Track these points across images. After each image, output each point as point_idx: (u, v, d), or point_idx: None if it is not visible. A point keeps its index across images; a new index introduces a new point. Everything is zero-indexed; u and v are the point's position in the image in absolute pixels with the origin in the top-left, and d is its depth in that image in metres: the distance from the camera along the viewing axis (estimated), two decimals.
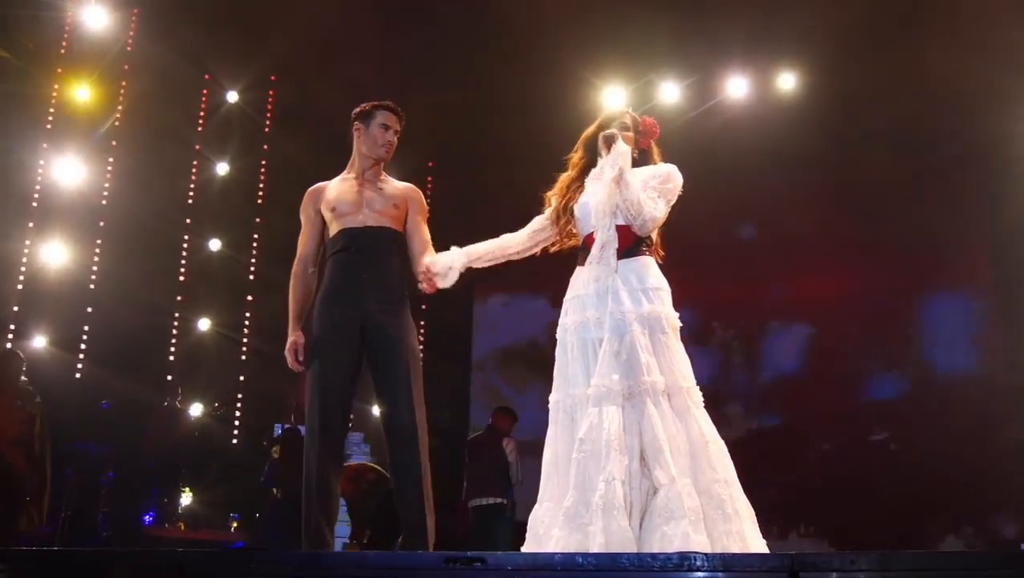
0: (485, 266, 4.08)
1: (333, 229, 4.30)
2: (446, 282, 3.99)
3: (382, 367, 4.11)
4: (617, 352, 3.52)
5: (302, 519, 4.05)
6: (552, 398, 3.70)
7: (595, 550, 3.17)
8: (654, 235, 3.79)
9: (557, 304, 3.84)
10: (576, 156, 4.00)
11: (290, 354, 4.20)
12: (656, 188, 3.71)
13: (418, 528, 3.98)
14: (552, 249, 4.04)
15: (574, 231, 3.90)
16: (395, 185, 4.44)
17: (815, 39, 9.97)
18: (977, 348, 10.63)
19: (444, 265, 3.98)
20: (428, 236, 4.35)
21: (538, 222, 4.04)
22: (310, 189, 4.44)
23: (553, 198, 3.99)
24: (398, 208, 4.33)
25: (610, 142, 3.73)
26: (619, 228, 3.70)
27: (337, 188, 4.36)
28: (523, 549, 3.55)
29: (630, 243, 3.69)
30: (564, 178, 3.98)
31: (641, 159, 3.88)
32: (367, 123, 4.37)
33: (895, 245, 10.94)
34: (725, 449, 3.51)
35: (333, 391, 4.10)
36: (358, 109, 4.42)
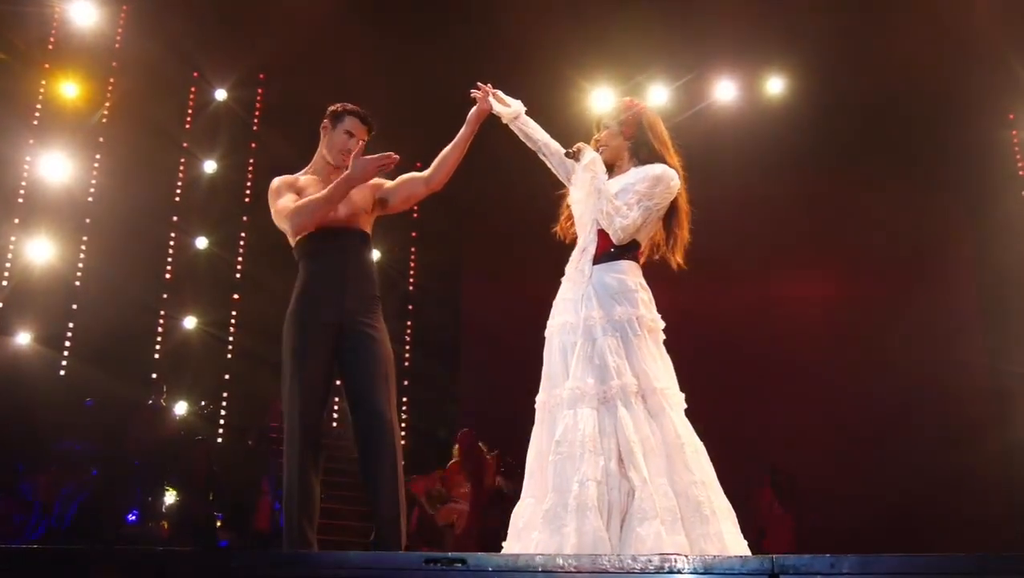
0: (520, 136, 4.18)
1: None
2: (503, 108, 4.16)
3: (359, 365, 4.07)
4: (590, 356, 3.54)
5: (283, 520, 4.05)
6: (538, 398, 3.73)
7: (567, 551, 3.18)
8: (643, 238, 3.79)
9: (546, 305, 3.86)
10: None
11: (367, 162, 4.05)
12: (640, 192, 3.68)
13: (393, 525, 3.95)
14: (561, 236, 4.04)
15: (575, 230, 3.93)
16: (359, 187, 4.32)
17: (803, 43, 10.01)
18: (961, 352, 10.66)
19: (510, 100, 4.18)
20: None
21: (571, 161, 4.02)
22: (284, 178, 4.33)
23: (566, 193, 4.02)
24: (366, 212, 4.30)
25: (576, 156, 3.76)
26: (600, 233, 3.72)
27: (306, 188, 4.28)
28: (504, 544, 3.58)
29: (609, 248, 3.70)
30: None
31: (637, 146, 3.86)
32: (335, 124, 4.32)
33: (880, 248, 10.98)
34: (703, 450, 3.52)
35: (313, 391, 4.06)
36: (332, 108, 4.37)
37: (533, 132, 4.14)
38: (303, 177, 4.35)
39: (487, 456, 7.90)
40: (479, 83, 4.26)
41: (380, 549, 3.92)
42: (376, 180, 4.37)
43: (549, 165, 4.14)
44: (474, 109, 4.25)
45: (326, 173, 4.33)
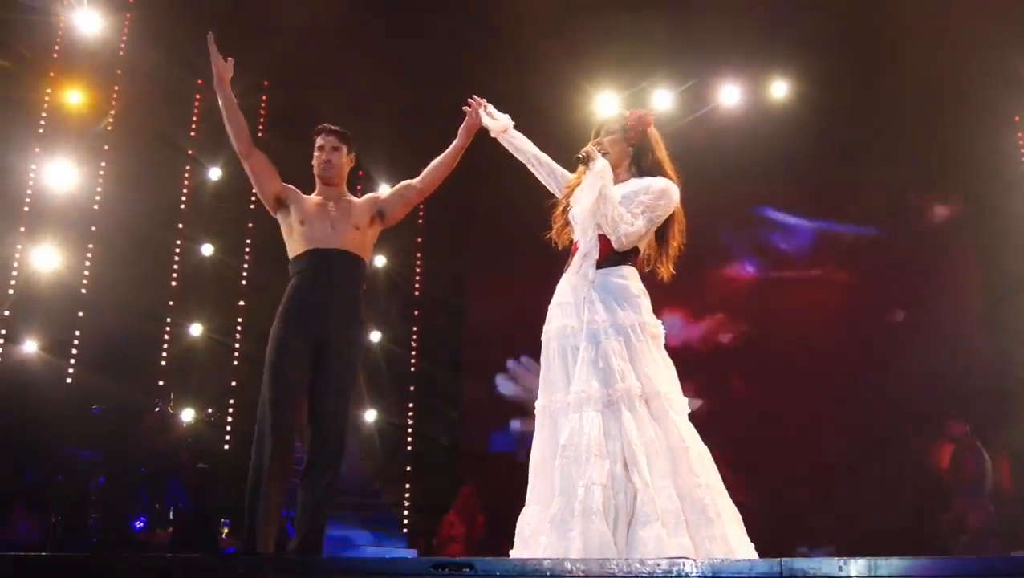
0: (510, 148, 4.29)
1: (299, 246, 4.49)
2: (491, 121, 4.31)
3: (319, 381, 4.30)
4: (594, 360, 3.56)
5: (245, 519, 4.15)
6: (538, 404, 3.74)
7: (574, 555, 3.18)
8: (642, 246, 3.81)
9: (546, 310, 3.87)
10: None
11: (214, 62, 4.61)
12: (644, 203, 3.72)
13: (316, 541, 4.11)
14: (553, 240, 4.07)
15: (571, 236, 3.94)
16: (356, 204, 4.63)
17: (807, 47, 10.01)
18: (966, 353, 10.63)
19: (499, 114, 4.32)
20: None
21: (563, 173, 4.14)
22: (293, 186, 4.67)
23: (562, 199, 4.03)
24: (359, 228, 4.53)
25: (587, 162, 3.77)
26: (601, 238, 3.74)
27: (308, 204, 4.58)
28: (511, 553, 3.57)
29: (611, 253, 3.72)
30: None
31: (639, 154, 3.88)
32: (313, 149, 4.67)
33: (885, 251, 10.96)
34: (707, 454, 3.53)
35: (287, 403, 4.25)
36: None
37: (522, 144, 4.25)
38: (307, 197, 4.65)
39: (478, 509, 9.31)
40: (472, 97, 4.44)
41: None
42: (372, 195, 4.73)
43: (538, 176, 4.22)
44: (465, 122, 4.49)
45: (326, 193, 4.64)
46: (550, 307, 3.82)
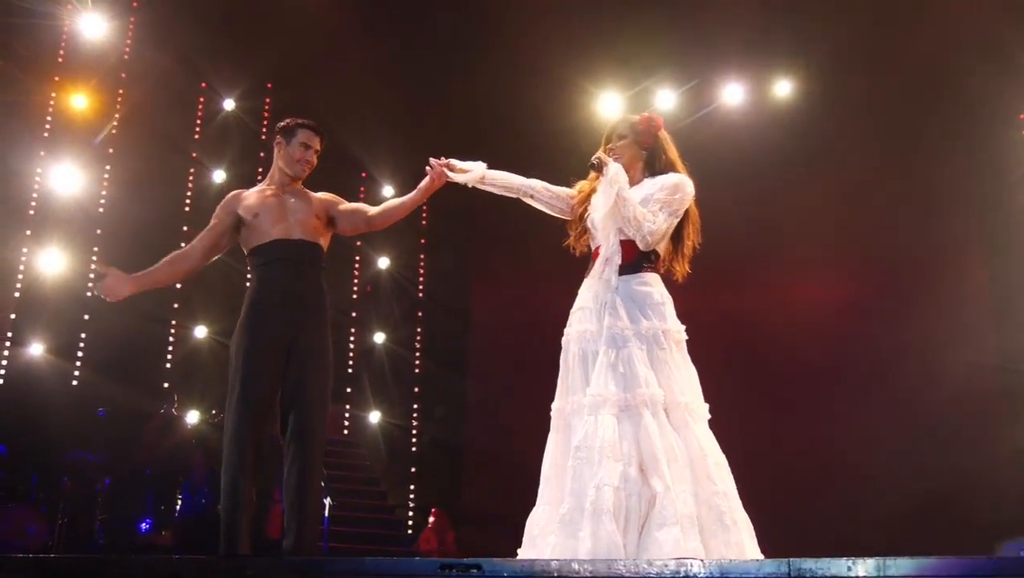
0: (496, 191, 4.08)
1: (258, 238, 4.33)
2: (463, 176, 4.06)
3: (300, 384, 4.19)
4: (614, 364, 3.54)
5: (221, 524, 4.10)
6: (554, 405, 3.74)
7: (583, 556, 3.18)
8: (661, 248, 3.80)
9: (554, 312, 3.86)
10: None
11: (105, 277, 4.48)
12: (660, 200, 3.71)
13: (308, 546, 4.07)
14: (571, 247, 4.03)
15: (589, 242, 3.93)
16: (314, 196, 4.50)
17: (810, 46, 10.01)
18: (971, 352, 10.60)
19: (469, 164, 4.07)
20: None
21: (563, 191, 4.03)
22: (231, 193, 4.53)
23: (576, 206, 4.00)
24: (319, 219, 4.40)
25: (600, 168, 3.76)
26: (623, 243, 3.73)
27: (258, 197, 4.41)
28: (519, 552, 3.57)
29: (633, 258, 3.71)
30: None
31: (652, 157, 3.88)
32: (288, 139, 4.43)
33: (889, 251, 10.93)
34: (725, 463, 3.53)
35: (260, 403, 4.16)
36: (281, 124, 4.50)
37: (507, 181, 4.04)
38: (254, 192, 4.48)
39: (448, 527, 10.26)
40: (432, 159, 4.20)
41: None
42: (332, 197, 4.55)
43: (538, 206, 4.05)
44: (425, 181, 4.25)
45: (282, 184, 4.45)
46: (571, 311, 3.80)
